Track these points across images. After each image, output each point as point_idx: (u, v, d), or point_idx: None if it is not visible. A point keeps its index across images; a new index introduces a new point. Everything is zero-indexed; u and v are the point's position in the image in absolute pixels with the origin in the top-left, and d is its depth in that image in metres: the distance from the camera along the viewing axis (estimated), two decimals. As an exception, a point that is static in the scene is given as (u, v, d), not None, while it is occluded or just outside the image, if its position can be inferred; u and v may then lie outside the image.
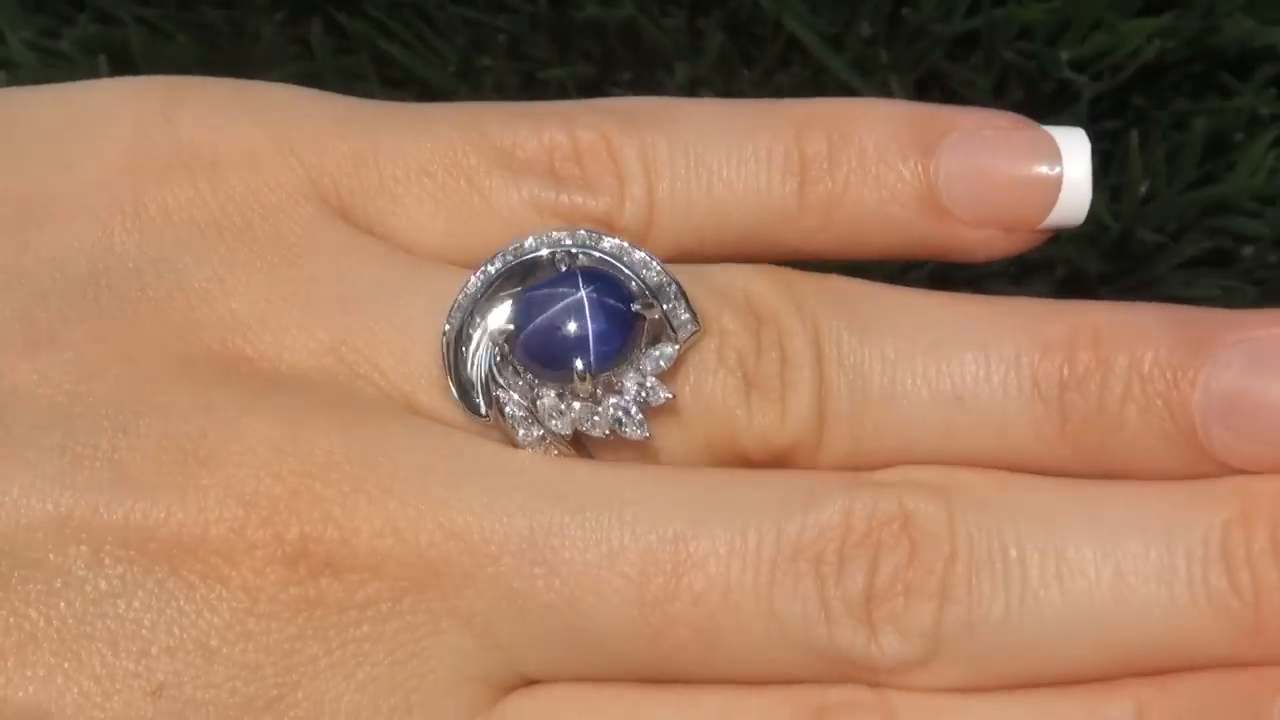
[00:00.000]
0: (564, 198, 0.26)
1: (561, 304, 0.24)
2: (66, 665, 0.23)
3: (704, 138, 0.26)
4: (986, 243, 0.26)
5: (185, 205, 0.25)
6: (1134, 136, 0.43)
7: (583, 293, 0.24)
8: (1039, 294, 0.44)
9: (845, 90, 0.45)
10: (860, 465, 0.25)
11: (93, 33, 0.46)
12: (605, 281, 0.24)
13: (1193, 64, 0.45)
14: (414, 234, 0.26)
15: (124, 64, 0.46)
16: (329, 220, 0.25)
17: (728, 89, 0.45)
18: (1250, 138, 0.44)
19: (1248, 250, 0.44)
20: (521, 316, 0.24)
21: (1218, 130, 0.44)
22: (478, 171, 0.26)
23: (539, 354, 0.24)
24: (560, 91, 0.46)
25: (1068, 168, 0.26)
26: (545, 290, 0.24)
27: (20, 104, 0.26)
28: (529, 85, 0.46)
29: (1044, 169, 0.26)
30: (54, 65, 0.46)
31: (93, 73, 0.45)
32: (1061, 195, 0.26)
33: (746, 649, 0.23)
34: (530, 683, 0.24)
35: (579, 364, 0.24)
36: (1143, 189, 0.44)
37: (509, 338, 0.24)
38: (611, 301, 0.24)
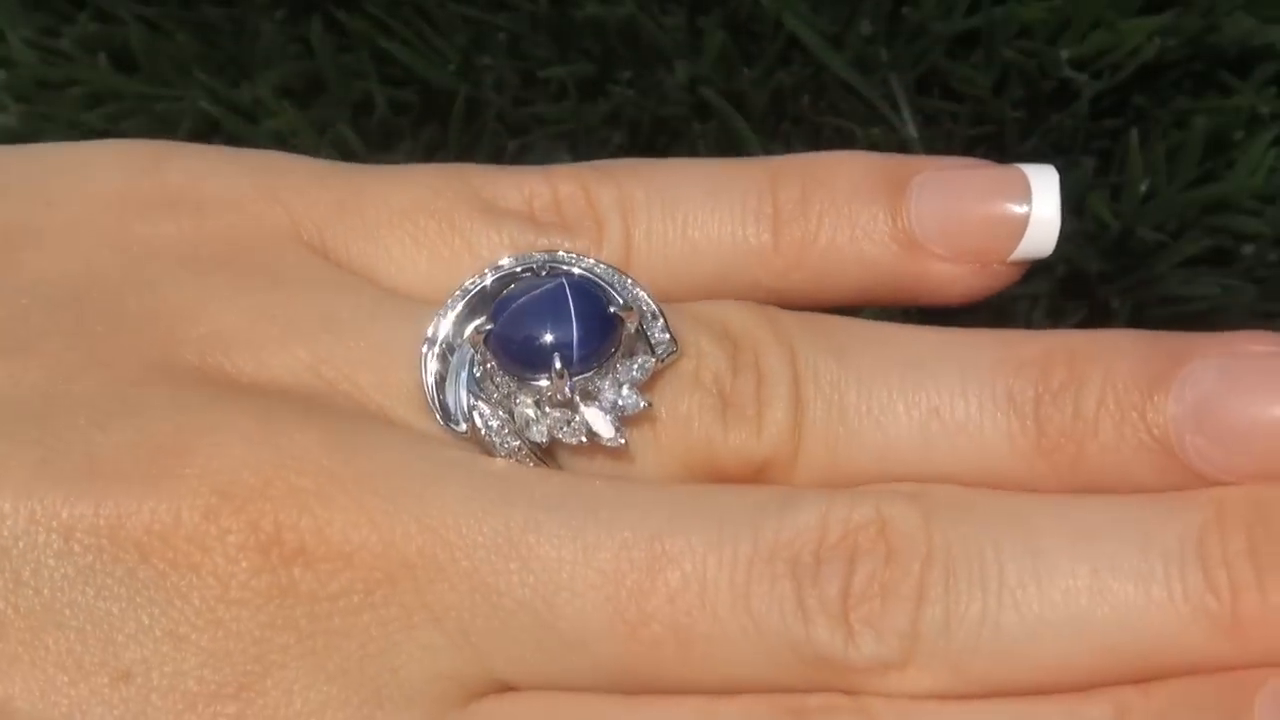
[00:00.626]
0: (543, 240, 0.26)
1: (539, 293, 0.24)
2: (33, 653, 0.23)
3: (680, 187, 0.27)
4: (959, 279, 0.27)
5: (169, 240, 0.25)
6: (1134, 135, 0.43)
7: (563, 281, 0.24)
8: (1039, 293, 0.44)
9: (846, 89, 0.45)
10: (837, 483, 0.25)
11: (93, 31, 0.46)
12: (585, 283, 0.25)
13: (1193, 62, 0.45)
14: (395, 275, 0.26)
15: (124, 63, 0.46)
16: (311, 258, 0.26)
17: (729, 87, 0.45)
18: (1250, 136, 0.44)
19: (1248, 249, 0.44)
20: (498, 311, 0.24)
21: (1218, 129, 0.44)
22: (459, 216, 0.26)
23: (516, 352, 0.24)
24: (560, 90, 0.46)
25: (1036, 205, 0.26)
26: (524, 285, 0.25)
27: (12, 154, 0.27)
28: (529, 84, 0.46)
29: (1013, 205, 0.26)
30: (54, 64, 0.46)
31: (93, 72, 0.45)
32: (1030, 230, 0.26)
33: (722, 649, 0.23)
34: (504, 688, 0.24)
35: (557, 362, 0.24)
36: (1143, 187, 0.44)
37: (486, 337, 0.24)
38: (591, 296, 0.24)
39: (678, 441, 0.25)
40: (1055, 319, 0.44)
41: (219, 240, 0.26)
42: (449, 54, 0.45)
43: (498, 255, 0.26)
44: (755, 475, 0.25)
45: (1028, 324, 0.44)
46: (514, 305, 0.24)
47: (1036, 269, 0.44)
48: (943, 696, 0.23)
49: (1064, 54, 0.44)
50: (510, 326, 0.24)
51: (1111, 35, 0.44)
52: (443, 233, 0.26)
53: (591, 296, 0.24)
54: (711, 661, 0.23)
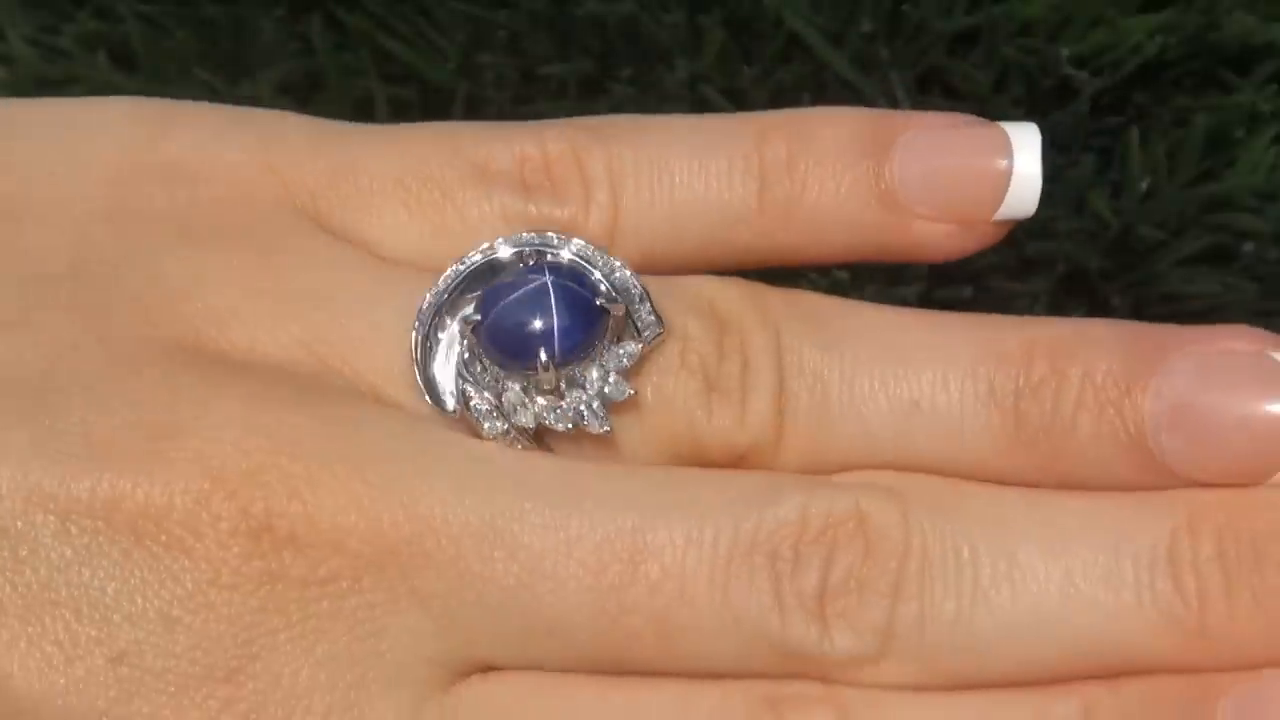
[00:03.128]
0: (532, 207, 0.26)
1: (526, 289, 0.25)
2: (30, 630, 0.23)
3: (668, 148, 0.27)
4: (943, 239, 0.27)
5: (163, 211, 0.26)
6: (1134, 133, 0.43)
7: (548, 279, 0.25)
8: (1039, 290, 0.44)
9: (847, 87, 0.45)
10: (819, 469, 0.25)
11: (92, 29, 0.46)
12: (571, 275, 0.25)
13: (1193, 60, 0.45)
14: (389, 243, 0.26)
15: (124, 60, 0.46)
16: (305, 227, 0.26)
17: (729, 86, 0.45)
18: (1251, 134, 0.44)
19: (1248, 247, 0.44)
20: (487, 304, 0.25)
21: (1218, 127, 0.44)
22: (451, 184, 0.26)
23: (504, 343, 0.25)
24: (560, 88, 0.46)
25: (1018, 161, 0.26)
26: (511, 279, 0.25)
27: (17, 114, 0.27)
28: (529, 81, 0.46)
29: (994, 162, 0.26)
30: (54, 61, 0.46)
31: (93, 69, 0.45)
32: (1012, 189, 0.26)
33: (701, 640, 0.24)
34: (488, 668, 0.24)
35: (543, 355, 0.24)
36: (1143, 185, 0.44)
37: (475, 328, 0.25)
38: (576, 290, 0.25)
39: (662, 424, 0.25)
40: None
41: (212, 211, 0.26)
42: (449, 51, 0.45)
43: (488, 224, 0.26)
44: (738, 461, 0.25)
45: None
46: (500, 302, 0.25)
47: (1037, 266, 0.44)
48: (914, 688, 0.24)
49: (1064, 52, 0.44)
50: (497, 321, 0.24)
51: (1112, 33, 0.44)
52: (434, 201, 0.26)
53: (577, 290, 0.25)
54: (690, 650, 0.24)
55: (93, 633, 0.23)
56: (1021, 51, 0.44)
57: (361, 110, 0.46)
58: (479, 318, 0.25)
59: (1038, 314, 0.44)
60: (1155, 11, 0.44)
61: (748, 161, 0.27)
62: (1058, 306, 0.44)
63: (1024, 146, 0.26)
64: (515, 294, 0.25)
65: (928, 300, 0.43)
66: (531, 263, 0.25)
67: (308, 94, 0.46)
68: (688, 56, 0.45)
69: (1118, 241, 0.44)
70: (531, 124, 0.27)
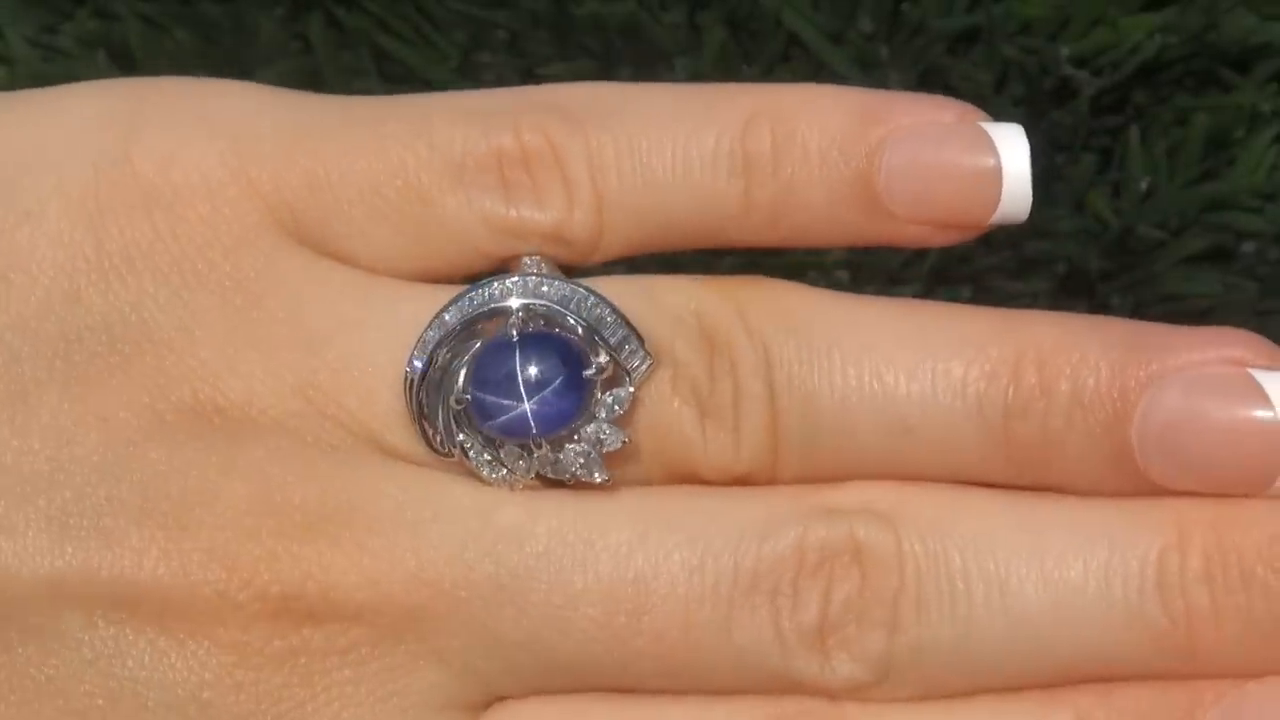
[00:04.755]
0: (514, 212, 0.26)
1: (509, 385, 0.25)
2: None
3: (649, 136, 0.26)
4: (930, 234, 0.27)
5: (147, 250, 0.25)
6: (1135, 132, 0.43)
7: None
8: (1040, 290, 0.44)
9: (845, 86, 0.45)
10: (815, 479, 0.26)
11: (92, 28, 0.46)
12: (555, 341, 0.25)
13: (1193, 60, 0.45)
14: (371, 255, 0.26)
15: (123, 60, 0.46)
16: (288, 250, 0.26)
17: (728, 85, 0.45)
18: (1251, 134, 0.44)
19: (1248, 246, 0.44)
20: (476, 408, 0.25)
21: (1218, 126, 0.44)
22: (430, 191, 0.26)
23: (495, 426, 0.25)
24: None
25: (1006, 163, 0.26)
26: (494, 398, 0.25)
27: None
28: (529, 81, 0.46)
29: (983, 165, 0.26)
30: (53, 60, 0.46)
31: (92, 69, 0.45)
32: (1004, 192, 0.26)
33: (707, 675, 0.24)
34: (505, 697, 0.25)
35: (534, 431, 0.25)
36: (1143, 185, 0.44)
37: (466, 406, 0.25)
38: (566, 373, 0.25)
39: (659, 453, 0.25)
40: (1055, 317, 0.44)
41: (195, 246, 0.25)
42: (448, 51, 0.45)
43: (471, 232, 0.26)
44: (735, 483, 0.25)
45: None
46: (486, 389, 0.25)
47: (1037, 266, 0.44)
48: (914, 700, 0.24)
49: (1064, 51, 0.44)
50: (486, 407, 0.25)
51: (1112, 32, 0.44)
52: (414, 209, 0.26)
53: (566, 367, 0.25)
54: (695, 682, 0.24)
55: None
56: (1021, 51, 0.44)
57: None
58: (468, 397, 0.25)
59: (1038, 314, 0.44)
60: (1155, 11, 0.44)
61: (732, 156, 0.26)
62: (1058, 306, 0.44)
63: (1011, 148, 0.26)
64: (500, 385, 0.25)
65: (927, 299, 0.43)
66: (515, 333, 0.25)
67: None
68: (688, 56, 0.45)
69: (1118, 241, 0.44)
70: (507, 101, 0.27)
